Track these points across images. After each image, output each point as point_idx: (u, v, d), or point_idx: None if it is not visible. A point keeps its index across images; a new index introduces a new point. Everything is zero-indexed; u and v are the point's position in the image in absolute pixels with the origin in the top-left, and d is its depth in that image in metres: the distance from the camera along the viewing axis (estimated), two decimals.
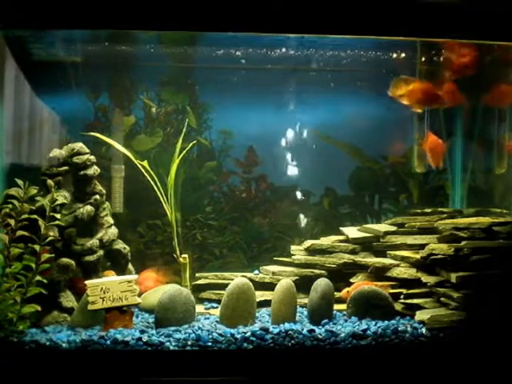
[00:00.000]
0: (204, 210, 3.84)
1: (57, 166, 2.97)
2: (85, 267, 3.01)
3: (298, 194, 3.95)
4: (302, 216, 3.88)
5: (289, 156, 3.94)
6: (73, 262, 2.90)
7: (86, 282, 2.75)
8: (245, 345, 2.60)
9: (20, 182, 2.75)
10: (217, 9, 2.68)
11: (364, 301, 2.89)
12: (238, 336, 2.61)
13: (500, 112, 3.65)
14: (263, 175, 3.96)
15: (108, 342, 2.56)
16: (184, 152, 3.32)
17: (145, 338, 2.57)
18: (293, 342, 2.63)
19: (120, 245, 3.17)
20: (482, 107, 3.75)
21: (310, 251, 3.37)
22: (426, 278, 2.97)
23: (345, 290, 3.06)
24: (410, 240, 3.24)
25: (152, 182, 3.19)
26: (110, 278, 2.85)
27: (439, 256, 2.93)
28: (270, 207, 3.93)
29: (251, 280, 3.01)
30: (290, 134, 3.94)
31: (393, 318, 2.86)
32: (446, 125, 3.82)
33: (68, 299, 2.89)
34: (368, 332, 2.68)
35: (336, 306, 2.95)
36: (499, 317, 2.76)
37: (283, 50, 3.60)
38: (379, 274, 3.15)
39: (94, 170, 3.06)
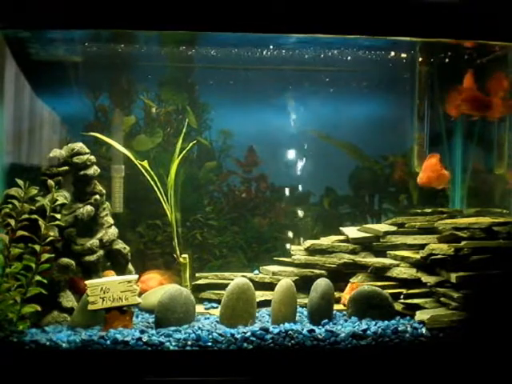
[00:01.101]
0: (204, 209, 3.84)
1: (57, 166, 2.97)
2: (85, 267, 3.01)
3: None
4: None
5: (288, 156, 3.94)
6: (73, 262, 2.90)
7: (86, 282, 2.75)
8: (245, 345, 2.60)
9: (20, 182, 2.75)
10: (216, 9, 2.68)
11: (364, 301, 2.89)
12: (238, 336, 2.61)
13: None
14: (263, 175, 3.96)
15: (108, 342, 2.56)
16: (184, 152, 3.32)
17: (145, 338, 2.57)
18: (293, 341, 2.63)
19: (120, 245, 3.17)
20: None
21: (310, 251, 3.37)
22: (426, 278, 2.97)
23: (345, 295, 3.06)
24: (410, 240, 3.24)
25: (152, 182, 3.19)
26: (110, 278, 2.85)
27: (439, 256, 2.93)
28: (270, 207, 3.93)
29: (251, 280, 3.01)
30: (290, 133, 3.94)
31: (393, 318, 2.86)
32: (445, 125, 3.83)
33: (68, 299, 2.89)
34: (368, 332, 2.68)
35: (336, 306, 2.95)
36: (499, 317, 2.76)
37: (283, 49, 3.60)
38: (379, 273, 3.15)
39: (93, 170, 3.06)
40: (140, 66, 3.80)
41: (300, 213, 3.93)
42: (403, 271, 3.07)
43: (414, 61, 3.74)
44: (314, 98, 3.93)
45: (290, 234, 3.88)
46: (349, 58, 3.65)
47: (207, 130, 3.89)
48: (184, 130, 3.37)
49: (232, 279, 2.93)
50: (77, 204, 3.02)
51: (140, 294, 2.84)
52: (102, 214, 3.13)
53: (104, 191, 3.13)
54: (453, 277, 2.81)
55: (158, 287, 3.21)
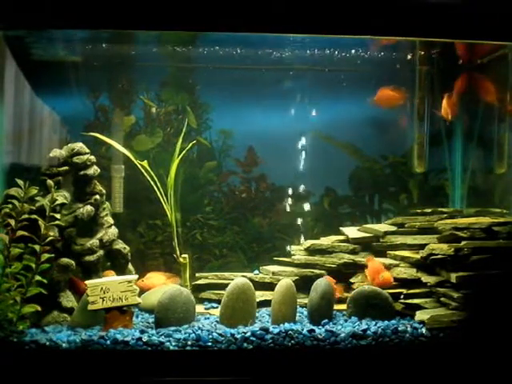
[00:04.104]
0: (204, 209, 3.84)
1: (57, 166, 2.97)
2: (85, 267, 3.01)
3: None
4: None
5: (288, 156, 3.94)
6: (73, 262, 2.90)
7: (86, 282, 2.75)
8: (245, 345, 2.60)
9: (20, 182, 2.75)
10: (216, 9, 2.68)
11: (364, 301, 2.89)
12: (238, 336, 2.61)
13: (500, 112, 3.66)
14: (263, 175, 3.96)
15: (108, 342, 2.56)
16: (184, 152, 3.32)
17: (145, 338, 2.57)
18: (293, 341, 2.63)
19: (120, 245, 3.17)
20: (482, 108, 3.76)
21: (310, 251, 3.37)
22: (426, 278, 2.97)
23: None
24: (410, 240, 3.24)
25: (152, 182, 3.19)
26: (110, 278, 2.85)
27: (439, 256, 2.93)
28: (270, 207, 3.93)
29: (251, 280, 3.01)
30: (291, 134, 3.94)
31: (393, 318, 2.86)
32: (445, 125, 3.83)
33: (68, 299, 2.89)
34: (368, 332, 2.68)
35: (336, 306, 2.95)
36: (499, 317, 2.76)
37: (283, 50, 3.60)
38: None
39: (93, 170, 3.06)
40: (140, 66, 3.81)
41: (299, 212, 3.94)
42: (403, 271, 3.07)
43: (413, 60, 3.75)
44: (314, 98, 3.93)
45: (290, 234, 3.89)
46: (347, 57, 3.65)
47: (207, 129, 3.89)
48: (184, 130, 3.37)
49: (232, 279, 2.93)
50: (77, 204, 3.02)
51: (140, 294, 2.84)
52: (102, 214, 3.13)
53: (104, 191, 3.13)
54: (453, 277, 2.81)
55: (158, 287, 3.20)
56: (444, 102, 3.59)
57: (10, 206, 2.72)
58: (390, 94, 3.74)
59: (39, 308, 2.63)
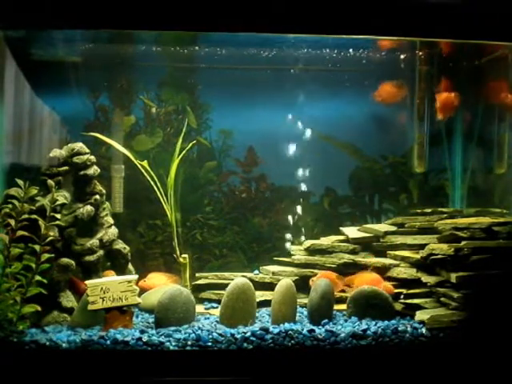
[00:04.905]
0: (204, 209, 3.84)
1: (57, 166, 2.97)
2: (85, 267, 3.01)
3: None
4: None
5: (288, 156, 3.94)
6: (73, 262, 2.90)
7: (86, 282, 2.75)
8: (245, 345, 2.60)
9: (20, 182, 2.75)
10: (216, 9, 2.68)
11: (364, 301, 2.89)
12: (238, 336, 2.61)
13: (500, 112, 3.66)
14: (263, 175, 3.95)
15: (108, 342, 2.56)
16: (184, 152, 3.32)
17: (145, 338, 2.57)
18: (293, 341, 2.63)
19: (120, 245, 3.17)
20: (482, 107, 3.76)
21: (310, 251, 3.37)
22: (426, 278, 2.97)
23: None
24: (410, 240, 3.24)
25: (152, 182, 3.19)
26: (110, 278, 2.85)
27: (439, 256, 2.93)
28: (270, 207, 3.93)
29: (251, 280, 3.01)
30: (290, 133, 3.94)
31: (393, 318, 2.86)
32: (445, 125, 3.83)
33: (68, 299, 2.89)
34: (368, 332, 2.68)
35: (336, 306, 2.95)
36: (499, 317, 2.76)
37: (283, 49, 3.60)
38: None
39: (93, 170, 3.06)
40: (140, 65, 3.81)
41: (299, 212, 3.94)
42: (403, 271, 3.07)
43: (413, 60, 3.75)
44: (314, 98, 3.93)
45: (290, 234, 3.89)
46: (347, 57, 3.66)
47: (207, 129, 3.89)
48: (184, 130, 3.37)
49: (232, 279, 2.93)
50: (77, 204, 3.02)
51: (140, 294, 2.84)
52: (102, 214, 3.13)
53: (104, 191, 3.13)
54: (453, 277, 2.81)
55: (158, 287, 3.20)
56: (437, 101, 3.59)
57: (9, 206, 2.72)
58: (391, 89, 3.75)
59: (39, 308, 2.63)
